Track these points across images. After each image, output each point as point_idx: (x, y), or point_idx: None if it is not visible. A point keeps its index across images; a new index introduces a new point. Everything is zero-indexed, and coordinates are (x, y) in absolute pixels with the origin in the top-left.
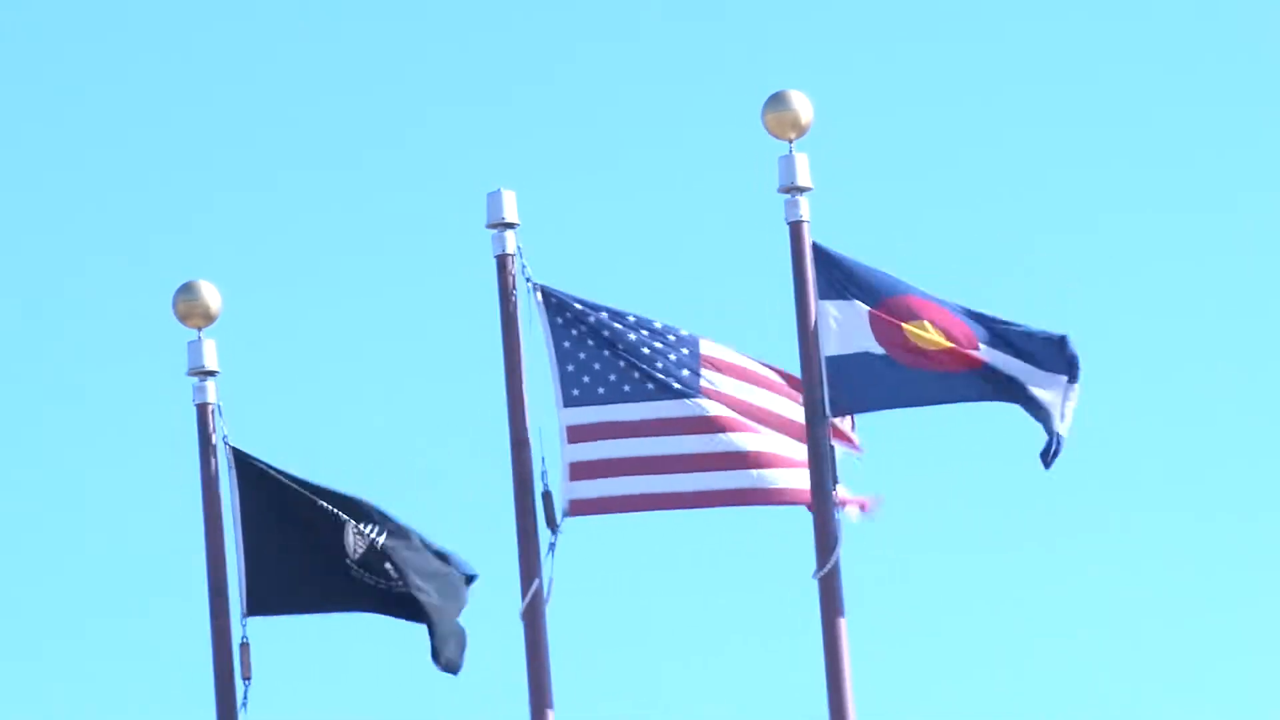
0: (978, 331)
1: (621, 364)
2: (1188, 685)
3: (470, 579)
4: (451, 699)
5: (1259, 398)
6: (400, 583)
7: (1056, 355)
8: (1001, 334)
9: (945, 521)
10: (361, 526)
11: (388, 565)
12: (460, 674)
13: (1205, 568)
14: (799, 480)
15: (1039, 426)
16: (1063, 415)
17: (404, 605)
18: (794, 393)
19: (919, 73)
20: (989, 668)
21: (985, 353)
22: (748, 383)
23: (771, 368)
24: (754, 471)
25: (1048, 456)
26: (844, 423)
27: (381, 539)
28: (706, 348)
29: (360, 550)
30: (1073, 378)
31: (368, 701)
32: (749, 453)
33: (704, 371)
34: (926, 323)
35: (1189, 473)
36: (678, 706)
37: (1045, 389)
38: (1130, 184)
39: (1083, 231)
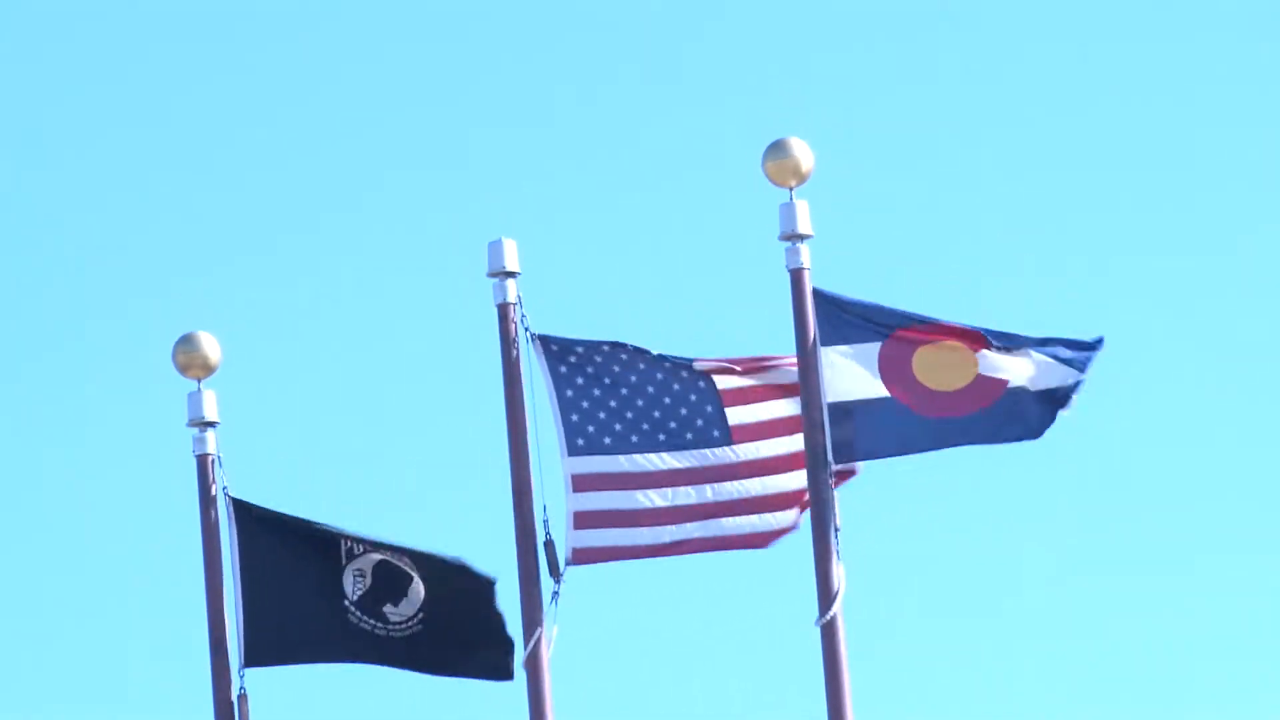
0: (991, 336)
1: (629, 414)
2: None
3: (491, 583)
4: None
5: (1260, 398)
6: (401, 625)
7: (1075, 353)
8: (1012, 338)
9: (948, 566)
10: (359, 553)
11: (386, 606)
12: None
13: (1206, 568)
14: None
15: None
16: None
17: (403, 651)
18: None
19: (919, 120)
20: (989, 709)
21: (998, 358)
22: (770, 408)
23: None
24: (761, 516)
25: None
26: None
27: (383, 556)
28: (724, 383)
29: (359, 592)
30: (1081, 369)
31: None
32: (757, 498)
33: (726, 409)
34: (941, 342)
35: (1186, 472)
36: None
37: (1051, 373)
38: (1138, 220)
39: (1090, 276)
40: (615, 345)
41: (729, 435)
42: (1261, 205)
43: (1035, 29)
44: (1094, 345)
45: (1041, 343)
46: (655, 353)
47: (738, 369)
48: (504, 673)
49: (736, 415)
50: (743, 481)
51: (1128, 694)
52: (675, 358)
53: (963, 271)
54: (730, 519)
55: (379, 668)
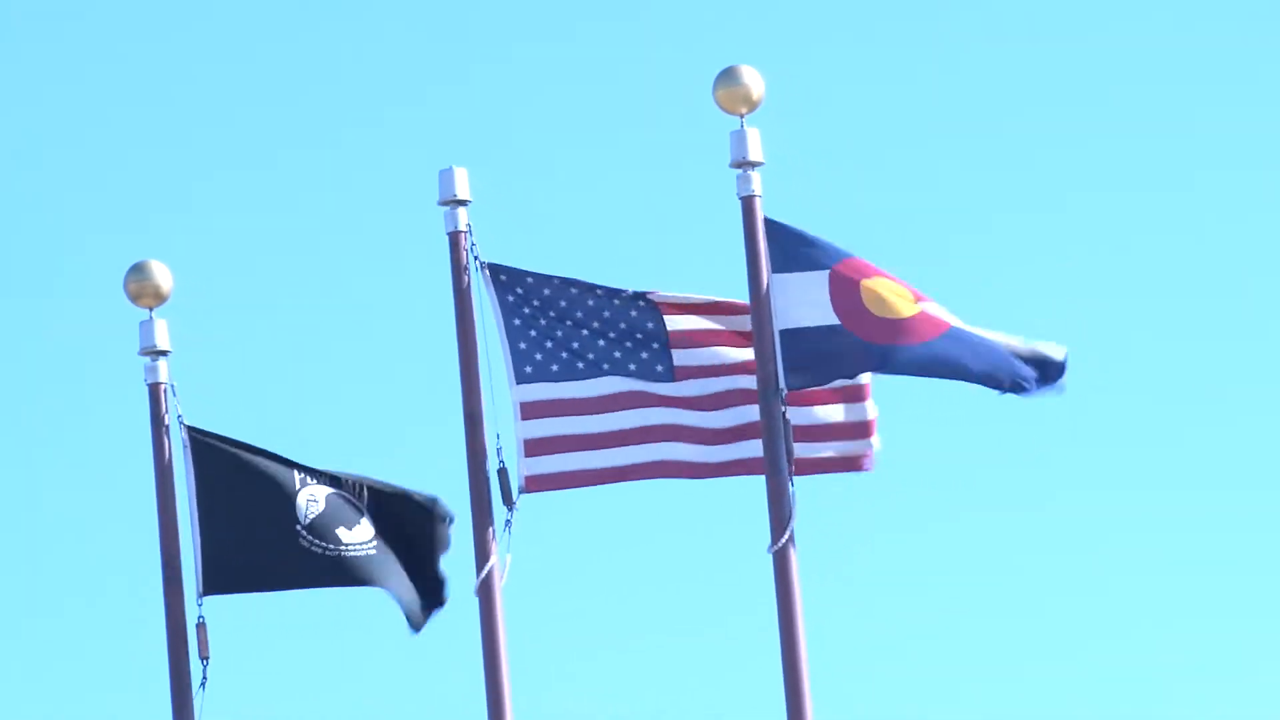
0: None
1: (575, 344)
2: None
3: (442, 514)
4: (407, 676)
5: (1257, 394)
6: (352, 546)
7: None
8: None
9: (904, 491)
10: (312, 481)
11: (339, 529)
12: (426, 625)
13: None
14: (755, 450)
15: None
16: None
17: (355, 570)
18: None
19: (871, 47)
20: (946, 640)
21: (948, 318)
22: (719, 347)
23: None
24: (712, 446)
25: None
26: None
27: (334, 490)
28: (674, 323)
29: (312, 515)
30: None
31: (326, 677)
32: (702, 428)
33: (672, 351)
34: (884, 280)
35: (1182, 465)
36: (634, 682)
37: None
38: (1094, 161)
39: (1040, 210)
40: (565, 280)
41: (672, 373)
42: (1230, 187)
43: None
44: (1058, 370)
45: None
46: (604, 287)
47: (689, 305)
48: (432, 603)
49: (681, 357)
50: (687, 411)
51: (1082, 629)
52: (626, 292)
53: (913, 200)
54: (679, 444)
55: (332, 590)
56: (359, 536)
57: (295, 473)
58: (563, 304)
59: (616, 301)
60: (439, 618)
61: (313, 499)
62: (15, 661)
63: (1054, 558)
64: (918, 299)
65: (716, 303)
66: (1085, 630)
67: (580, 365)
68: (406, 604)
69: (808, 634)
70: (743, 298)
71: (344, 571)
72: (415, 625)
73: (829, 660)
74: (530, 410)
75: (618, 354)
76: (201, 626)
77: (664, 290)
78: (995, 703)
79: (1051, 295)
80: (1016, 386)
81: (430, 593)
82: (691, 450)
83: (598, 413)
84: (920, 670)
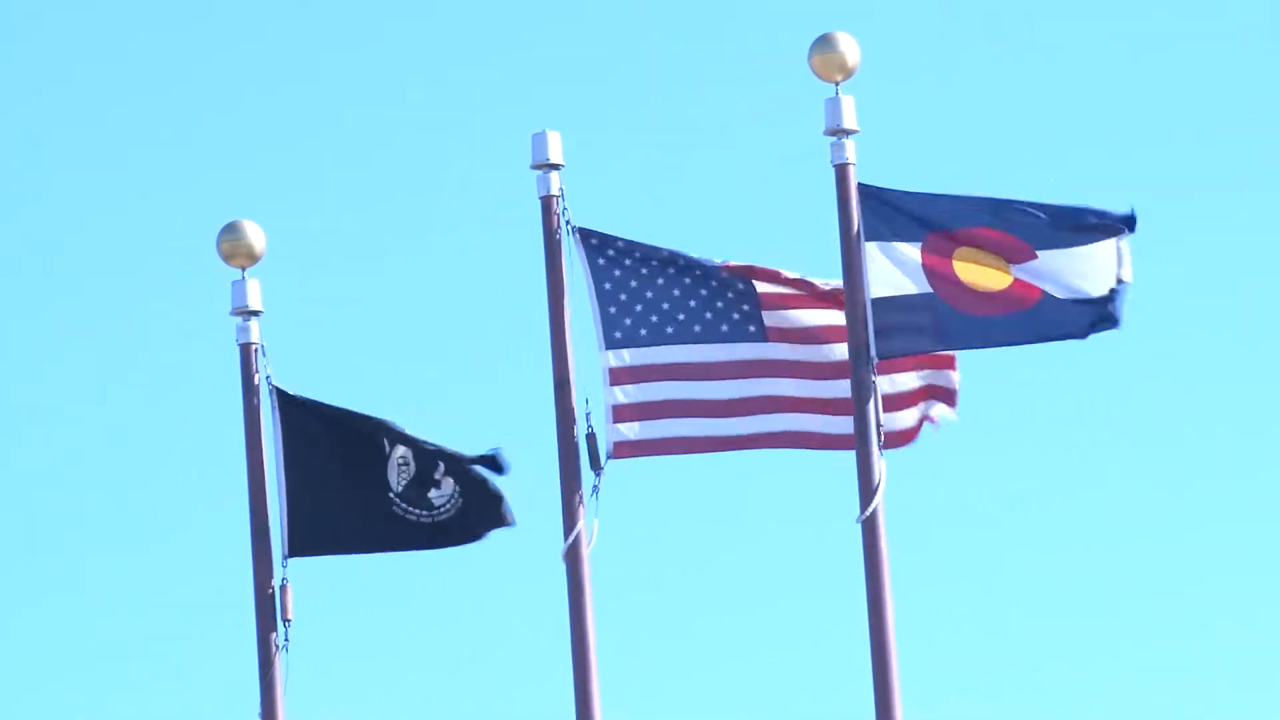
0: (1032, 238)
1: (665, 305)
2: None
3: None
4: (493, 640)
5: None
6: (444, 510)
7: (1113, 221)
8: (1055, 218)
9: (992, 463)
10: (403, 450)
11: (431, 493)
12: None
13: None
14: (846, 425)
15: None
16: (1120, 264)
17: (448, 533)
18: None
19: (965, 14)
20: (1027, 612)
21: (1042, 261)
22: (806, 319)
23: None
24: (801, 415)
25: (1112, 311)
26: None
27: (420, 461)
28: (763, 287)
29: (404, 482)
30: (1125, 231)
31: (407, 643)
32: (797, 398)
33: (763, 312)
34: (979, 250)
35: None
36: (721, 650)
37: (1101, 260)
38: (1185, 100)
39: (1135, 171)
40: (653, 247)
41: (764, 334)
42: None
43: None
44: (1127, 220)
45: (1074, 213)
46: (689, 257)
47: (779, 278)
48: (500, 521)
49: (772, 319)
50: (779, 380)
51: (1181, 595)
52: (713, 262)
53: (1009, 167)
54: (771, 416)
55: (422, 553)
56: (446, 492)
57: (383, 435)
58: (653, 265)
59: (702, 269)
60: (526, 583)
61: (403, 461)
62: (101, 620)
63: (1150, 532)
64: (1013, 260)
65: (804, 280)
66: (1177, 606)
67: (670, 330)
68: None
69: (895, 605)
70: (835, 265)
71: (434, 536)
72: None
73: (916, 633)
74: (619, 376)
75: (709, 314)
76: (285, 588)
77: (755, 262)
78: (1079, 679)
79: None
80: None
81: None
82: (787, 420)
83: (689, 379)
84: (1008, 649)
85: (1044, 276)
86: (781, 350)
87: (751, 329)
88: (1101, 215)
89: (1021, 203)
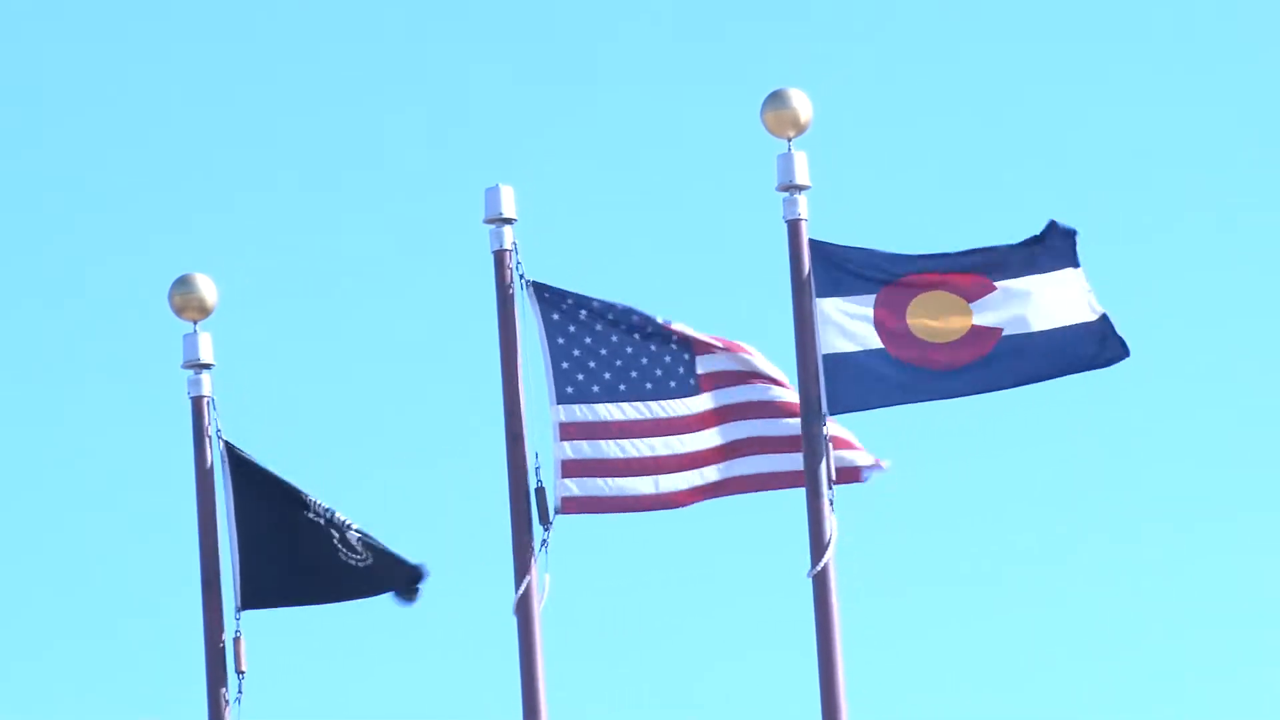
0: (986, 270)
1: (618, 363)
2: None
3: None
4: (444, 693)
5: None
6: (364, 558)
7: (1060, 245)
8: (1005, 256)
9: (942, 521)
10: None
11: (357, 540)
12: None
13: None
14: (792, 464)
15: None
16: (1091, 303)
17: (375, 580)
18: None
19: (918, 71)
20: (984, 667)
21: (1001, 293)
22: (747, 372)
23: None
24: (747, 459)
25: (1106, 346)
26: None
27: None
28: (701, 348)
29: (337, 534)
30: (1075, 262)
31: (361, 695)
32: (742, 440)
33: (697, 358)
34: (936, 292)
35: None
36: (671, 703)
37: (1061, 289)
38: (1135, 189)
39: (1091, 236)
40: (605, 302)
41: (697, 384)
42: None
43: None
44: (1059, 232)
45: (1025, 246)
46: (640, 312)
47: (719, 345)
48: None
49: (705, 364)
50: (713, 430)
51: (1138, 647)
52: (660, 323)
53: (959, 225)
54: (709, 468)
55: (366, 607)
56: (362, 550)
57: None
58: (606, 321)
59: (650, 328)
60: (477, 636)
61: (326, 515)
62: (55, 673)
63: (1106, 575)
64: (971, 299)
65: (746, 349)
66: (1134, 656)
67: (622, 387)
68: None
69: (846, 659)
70: (787, 320)
71: (372, 581)
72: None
73: (867, 684)
74: (569, 431)
75: (659, 371)
76: (238, 640)
77: (697, 321)
78: None
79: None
80: (1098, 362)
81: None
82: (721, 468)
83: (635, 437)
84: (957, 689)
85: (1004, 309)
86: (713, 398)
87: (691, 382)
88: (1047, 234)
89: (971, 249)
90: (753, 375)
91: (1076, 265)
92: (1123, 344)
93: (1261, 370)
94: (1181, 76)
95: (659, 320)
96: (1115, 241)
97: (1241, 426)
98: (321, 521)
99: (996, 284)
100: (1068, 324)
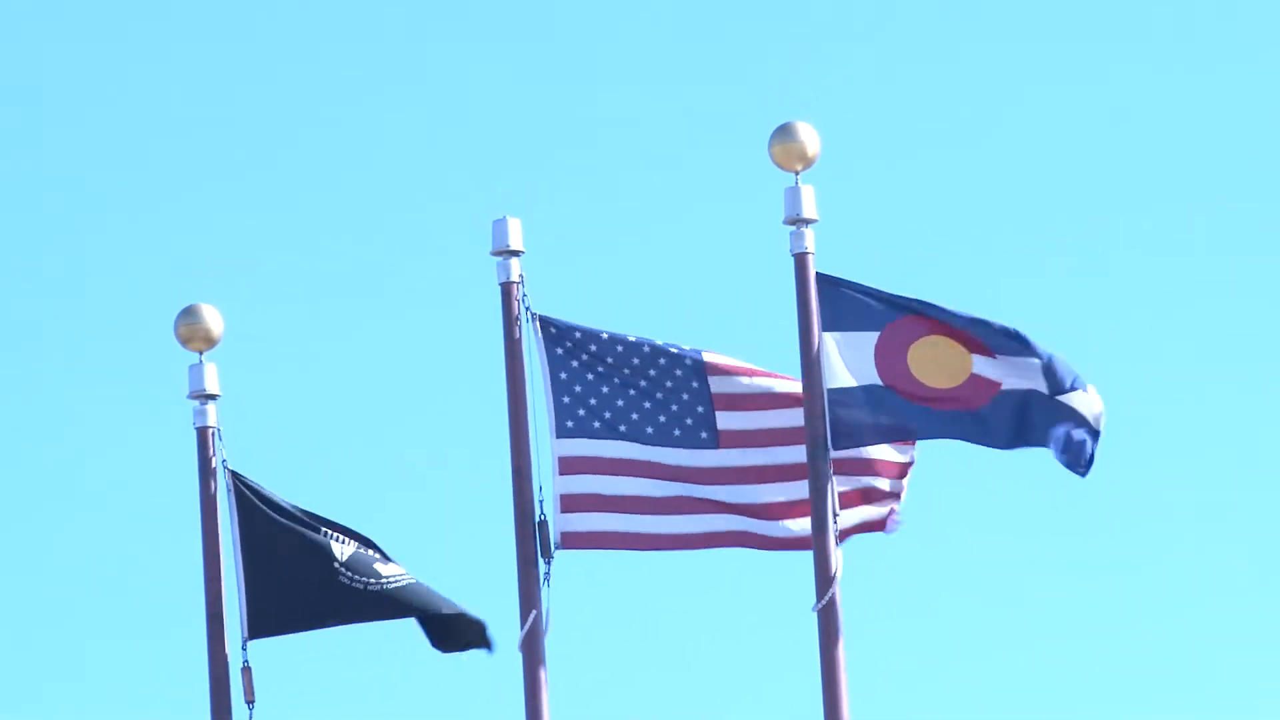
0: (989, 340)
1: (620, 403)
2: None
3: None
4: None
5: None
6: (390, 579)
7: (1062, 371)
8: (1013, 339)
9: (946, 553)
10: (346, 539)
11: (376, 563)
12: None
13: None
14: (800, 528)
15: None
16: (1094, 418)
17: (396, 602)
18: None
19: (926, 105)
20: (988, 700)
21: (1000, 362)
22: (761, 422)
23: (784, 394)
24: (751, 520)
25: (1082, 457)
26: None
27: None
28: (718, 386)
29: (347, 554)
30: (1078, 385)
31: None
32: (747, 504)
33: (716, 413)
34: (938, 339)
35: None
36: None
37: (1062, 395)
38: (1144, 220)
39: (1095, 272)
40: (613, 336)
41: (716, 439)
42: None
43: (1045, 13)
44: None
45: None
46: (652, 345)
47: (735, 369)
48: (484, 643)
49: (726, 420)
50: (731, 486)
51: (1134, 689)
52: (673, 348)
53: (967, 259)
54: (720, 516)
55: (374, 636)
56: (394, 570)
57: (322, 528)
58: (610, 360)
59: (663, 360)
60: (482, 670)
61: (342, 543)
62: (60, 708)
63: (1105, 626)
64: (973, 351)
65: (760, 371)
66: (1140, 692)
67: (623, 427)
68: (447, 622)
69: (851, 695)
70: (793, 354)
71: (387, 604)
72: (449, 647)
73: (872, 716)
74: (569, 465)
75: (663, 418)
76: (247, 671)
77: (712, 349)
78: None
79: (1114, 352)
80: (1070, 449)
81: (471, 634)
82: (734, 521)
83: (639, 476)
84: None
85: (997, 371)
86: (733, 456)
87: (704, 435)
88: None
89: (987, 321)
90: (775, 434)
91: (1084, 388)
92: (1090, 463)
93: (1262, 370)
94: (1185, 92)
95: (673, 350)
96: (1117, 258)
97: (1244, 428)
98: (347, 545)
99: (998, 356)
100: (1068, 405)
